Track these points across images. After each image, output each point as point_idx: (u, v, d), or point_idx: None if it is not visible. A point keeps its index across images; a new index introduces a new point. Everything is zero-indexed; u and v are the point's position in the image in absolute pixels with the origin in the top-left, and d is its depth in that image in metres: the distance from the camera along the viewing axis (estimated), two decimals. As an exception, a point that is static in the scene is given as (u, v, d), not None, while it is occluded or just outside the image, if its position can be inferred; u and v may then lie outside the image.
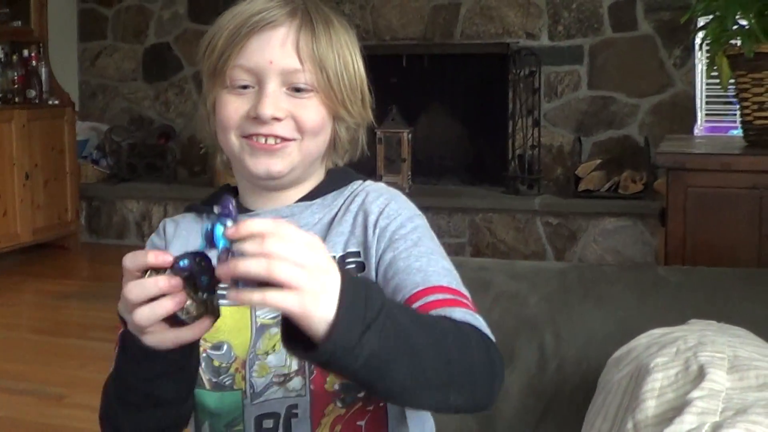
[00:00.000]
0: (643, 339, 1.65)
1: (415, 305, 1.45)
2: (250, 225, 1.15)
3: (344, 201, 1.65)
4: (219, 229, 1.17)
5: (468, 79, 7.37)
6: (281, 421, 1.57)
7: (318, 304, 1.16)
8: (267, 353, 1.56)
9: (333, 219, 1.63)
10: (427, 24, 7.42)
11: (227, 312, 1.47)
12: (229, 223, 1.17)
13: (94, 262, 7.39)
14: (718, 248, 2.71)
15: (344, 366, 1.21)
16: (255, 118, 1.53)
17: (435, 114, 7.23)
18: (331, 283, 1.18)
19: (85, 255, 7.51)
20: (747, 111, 2.96)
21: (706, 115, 6.97)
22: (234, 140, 1.56)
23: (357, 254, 1.58)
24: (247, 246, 1.14)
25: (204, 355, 1.56)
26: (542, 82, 7.11)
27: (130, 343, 1.36)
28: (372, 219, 1.60)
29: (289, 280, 1.14)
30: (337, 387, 1.55)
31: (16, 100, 7.11)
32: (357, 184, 1.69)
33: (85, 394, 4.24)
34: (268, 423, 1.57)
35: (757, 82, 2.88)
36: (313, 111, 1.56)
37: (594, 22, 7.10)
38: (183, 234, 1.68)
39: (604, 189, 6.66)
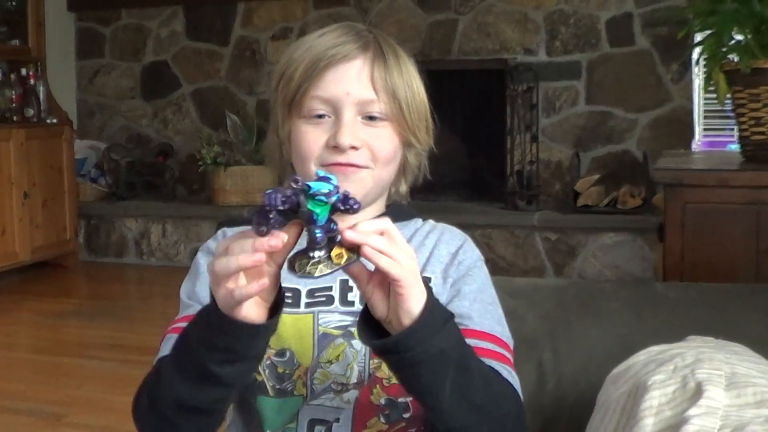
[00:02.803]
0: (641, 356, 1.64)
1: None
2: (372, 224, 1.32)
3: (412, 234, 1.76)
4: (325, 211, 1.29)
5: (466, 95, 7.38)
6: (332, 428, 1.64)
7: (414, 292, 1.34)
8: (330, 362, 1.63)
9: None
10: (425, 40, 7.43)
11: (289, 320, 1.61)
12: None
13: (93, 280, 7.38)
14: (717, 264, 2.71)
15: (414, 355, 1.36)
16: (334, 147, 1.60)
17: (433, 130, 7.17)
18: (420, 278, 1.36)
19: (84, 274, 7.50)
20: (744, 126, 2.96)
21: (704, 129, 6.97)
22: (314, 170, 1.60)
23: (429, 279, 1.67)
24: (375, 240, 1.30)
25: (268, 362, 1.63)
26: (540, 98, 7.11)
27: (200, 328, 1.39)
28: (452, 251, 1.73)
29: (403, 275, 1.32)
30: (383, 401, 1.63)
31: (14, 118, 7.10)
32: (419, 221, 1.81)
33: (84, 413, 4.24)
34: (320, 429, 1.64)
35: (753, 98, 2.88)
36: (387, 140, 1.66)
37: (591, 37, 7.10)
38: None
39: (603, 204, 6.64)
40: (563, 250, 6.68)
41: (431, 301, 1.38)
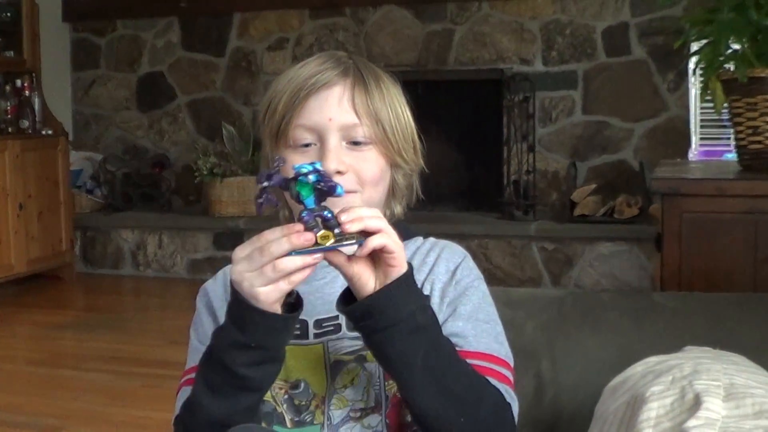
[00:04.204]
0: (638, 367, 1.64)
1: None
2: (366, 210, 1.43)
3: (413, 253, 1.76)
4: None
5: (462, 105, 7.39)
6: None
7: (404, 262, 1.45)
8: (345, 387, 1.65)
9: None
10: (421, 50, 7.43)
11: (300, 352, 1.66)
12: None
13: (89, 292, 7.37)
14: (714, 273, 2.71)
15: (386, 317, 1.44)
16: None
17: (429, 140, 7.12)
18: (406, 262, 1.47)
19: (80, 285, 7.49)
20: (741, 135, 2.96)
21: (701, 138, 6.97)
22: None
23: (428, 297, 1.68)
24: (374, 222, 1.41)
25: (285, 396, 1.66)
26: (536, 108, 7.11)
27: (232, 330, 1.47)
28: (451, 269, 1.73)
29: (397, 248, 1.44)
30: (409, 418, 1.63)
31: (10, 130, 7.10)
32: (420, 240, 1.81)
33: (81, 425, 4.22)
34: None
35: (750, 107, 2.88)
36: (372, 163, 1.68)
37: (587, 47, 7.10)
38: None
39: (600, 214, 6.64)
40: (560, 259, 6.68)
41: (408, 273, 1.47)
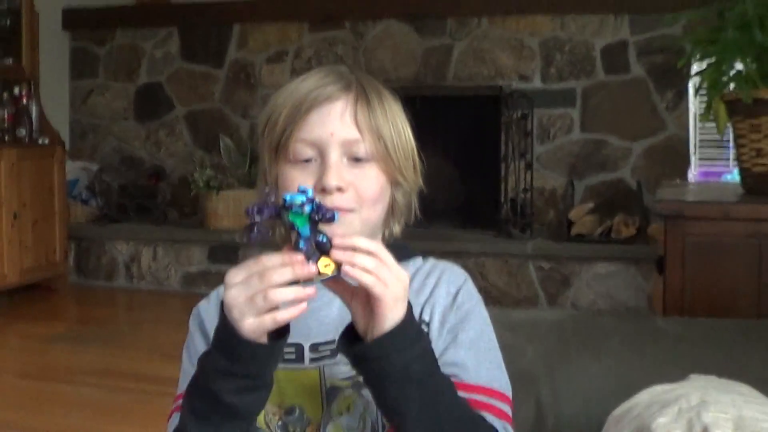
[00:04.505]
0: (643, 396, 1.60)
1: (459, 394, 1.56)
2: (365, 242, 1.41)
3: (413, 274, 1.72)
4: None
5: (460, 121, 7.35)
6: None
7: (392, 314, 1.41)
8: (341, 414, 1.62)
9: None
10: (420, 66, 7.41)
11: (295, 376, 1.64)
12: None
13: (83, 304, 7.32)
14: (718, 298, 2.68)
15: (378, 367, 1.42)
16: (322, 190, 1.58)
17: (427, 156, 7.07)
18: (403, 302, 1.44)
19: (74, 297, 7.43)
20: (745, 158, 2.93)
21: (699, 159, 6.94)
22: None
23: (428, 324, 1.67)
24: (363, 260, 1.39)
25: (279, 423, 1.63)
26: (535, 125, 7.08)
27: (218, 357, 1.44)
28: (452, 292, 1.70)
29: (382, 291, 1.40)
30: None
31: (6, 138, 7.06)
32: (420, 261, 1.78)
33: (72, 440, 4.19)
34: None
35: (755, 128, 2.85)
36: (373, 180, 1.64)
37: (586, 64, 7.09)
38: None
39: (597, 233, 6.62)
40: (557, 279, 6.64)
41: (406, 320, 1.44)
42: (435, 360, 1.53)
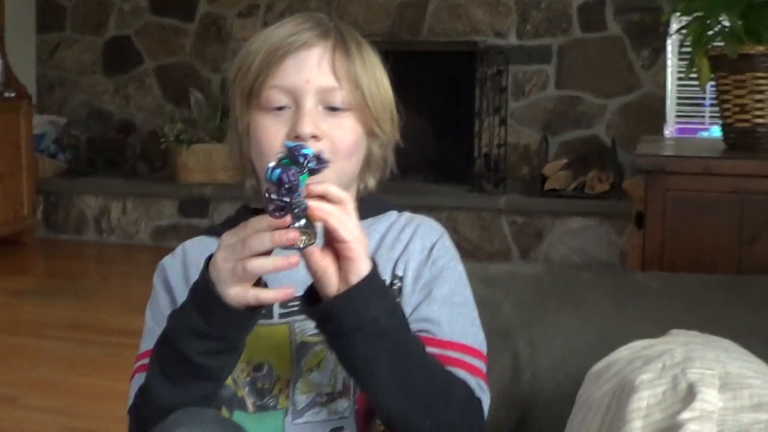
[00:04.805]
0: (624, 352, 1.56)
1: (432, 350, 1.54)
2: (336, 190, 1.37)
3: (387, 228, 1.69)
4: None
5: (435, 77, 7.32)
6: None
7: (362, 258, 1.38)
8: (311, 370, 1.58)
9: (380, 245, 1.65)
10: (394, 21, 7.35)
11: (264, 332, 1.57)
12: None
13: (51, 258, 7.27)
14: (698, 253, 2.65)
15: (347, 322, 1.38)
16: (295, 138, 1.53)
17: (400, 111, 7.07)
18: (368, 259, 1.40)
19: (42, 251, 7.37)
20: (728, 113, 2.90)
21: (674, 117, 6.94)
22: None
23: (401, 278, 1.63)
24: (332, 219, 1.35)
25: (248, 379, 1.59)
26: (510, 81, 7.04)
27: (196, 318, 1.40)
28: (427, 247, 1.65)
29: (351, 237, 1.37)
30: None
31: (-28, 92, 6.97)
32: (394, 214, 1.73)
33: (40, 395, 4.14)
34: None
35: (739, 84, 2.81)
36: (349, 131, 1.60)
37: (563, 21, 7.04)
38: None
39: (571, 189, 6.61)
40: (530, 233, 6.63)
41: (372, 274, 1.40)
42: (404, 317, 1.50)
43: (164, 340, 1.45)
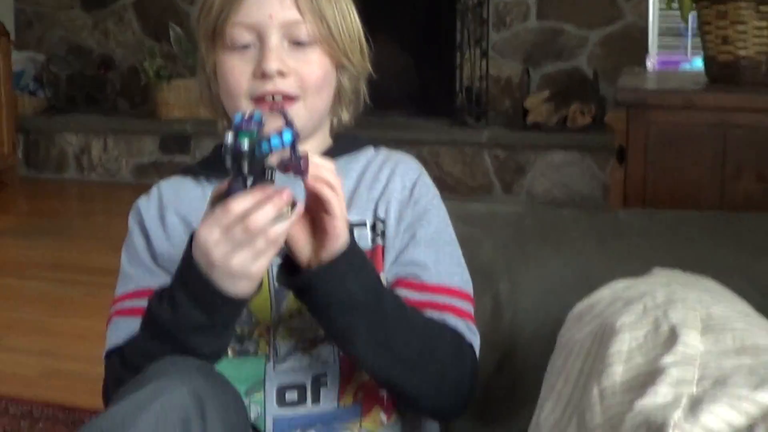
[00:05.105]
0: (605, 292, 1.54)
1: (419, 295, 1.57)
2: (329, 174, 1.34)
3: (365, 167, 1.68)
4: (287, 135, 1.28)
5: (414, 9, 7.26)
6: (308, 391, 1.57)
7: (343, 231, 1.37)
8: (292, 316, 1.56)
9: (358, 184, 1.64)
10: (373, -48, 7.27)
11: None
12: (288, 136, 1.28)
13: (32, 197, 7.22)
14: (681, 188, 2.64)
15: (323, 295, 1.38)
16: (261, 75, 1.52)
17: (380, 44, 6.90)
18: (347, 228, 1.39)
19: (23, 190, 7.33)
20: (710, 45, 2.87)
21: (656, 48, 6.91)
22: (243, 104, 1.55)
23: (383, 221, 1.62)
24: (328, 191, 1.33)
25: None
26: (490, 12, 6.99)
27: (181, 301, 1.37)
28: (408, 186, 1.65)
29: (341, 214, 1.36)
30: None
31: (-52, 29, 6.89)
32: (371, 151, 1.72)
33: (22, 336, 4.13)
34: (292, 394, 1.57)
35: (721, 15, 2.79)
36: (316, 65, 1.57)
37: (544, -49, 6.99)
38: (185, 199, 1.65)
39: (553, 122, 6.58)
40: (512, 167, 6.62)
41: (351, 247, 1.40)
42: (381, 284, 1.49)
43: (161, 334, 1.42)
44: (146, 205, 1.68)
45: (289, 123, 1.31)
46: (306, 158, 1.31)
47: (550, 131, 6.57)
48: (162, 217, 1.63)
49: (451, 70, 6.95)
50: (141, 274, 1.61)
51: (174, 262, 1.41)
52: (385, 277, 1.59)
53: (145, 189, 1.76)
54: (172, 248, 1.57)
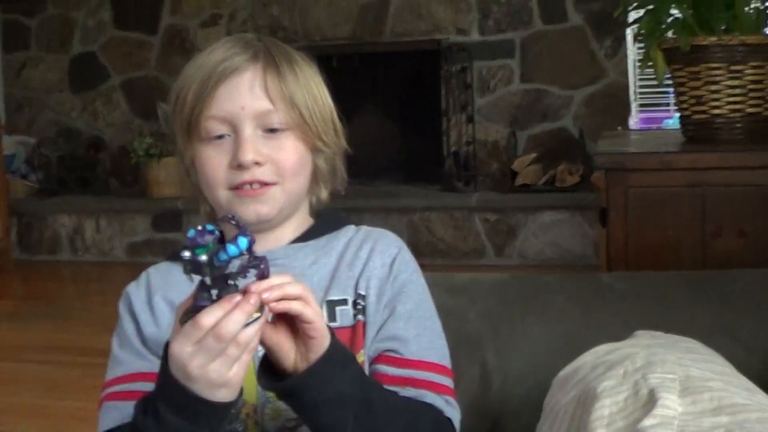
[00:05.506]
0: (588, 357, 1.57)
1: (398, 371, 1.59)
2: (291, 288, 1.34)
3: (345, 245, 1.69)
4: (243, 241, 1.27)
5: (400, 78, 7.34)
6: None
7: (325, 335, 1.37)
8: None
9: (339, 263, 1.66)
10: (357, 23, 7.35)
11: None
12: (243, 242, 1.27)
13: (27, 279, 7.25)
14: (662, 249, 2.66)
15: (311, 398, 1.38)
16: (238, 166, 1.54)
17: (368, 114, 7.11)
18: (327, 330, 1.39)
19: (18, 273, 7.34)
20: (685, 105, 2.91)
21: (640, 105, 6.97)
22: (222, 194, 1.59)
23: (364, 297, 1.63)
24: (295, 305, 1.33)
25: None
26: (474, 78, 7.06)
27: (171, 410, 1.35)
28: (387, 263, 1.66)
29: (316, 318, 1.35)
30: None
31: (-61, 117, 6.94)
32: (352, 229, 1.72)
33: (19, 420, 4.13)
34: None
35: (693, 76, 2.82)
36: (290, 151, 1.59)
37: (524, 15, 7.07)
38: (172, 284, 1.64)
39: (541, 182, 6.64)
40: (503, 230, 6.65)
41: (332, 344, 1.39)
42: (364, 375, 1.52)
43: None
44: (135, 291, 1.70)
45: (242, 228, 1.30)
46: (265, 260, 1.32)
47: (539, 192, 6.62)
48: (150, 302, 1.65)
49: (437, 136, 7.01)
50: (131, 359, 1.62)
51: (161, 346, 1.43)
52: (366, 353, 1.61)
53: (139, 267, 1.79)
54: (159, 332, 1.58)
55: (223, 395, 1.33)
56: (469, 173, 6.91)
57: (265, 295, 1.30)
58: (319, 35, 7.30)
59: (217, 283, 1.28)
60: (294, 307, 1.33)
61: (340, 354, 1.42)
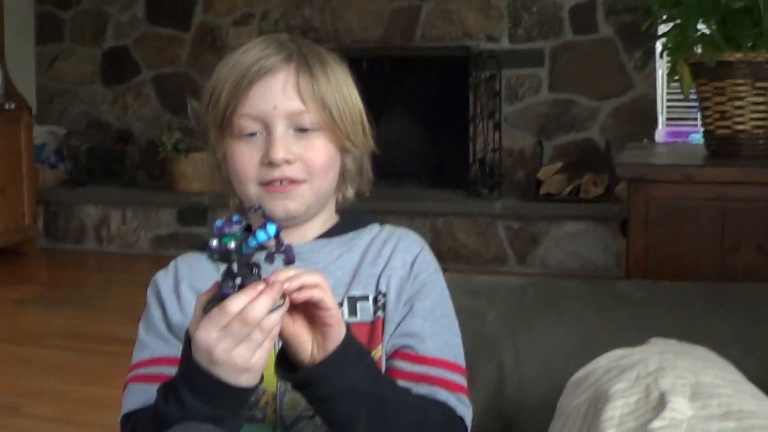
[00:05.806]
0: (602, 361, 1.61)
1: (414, 367, 1.62)
2: (308, 277, 1.38)
3: (369, 243, 1.73)
4: (271, 227, 1.33)
5: (428, 83, 7.33)
6: None
7: (341, 324, 1.43)
8: None
9: (362, 260, 1.70)
10: (387, 27, 7.38)
11: None
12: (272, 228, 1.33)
13: (52, 268, 7.31)
14: (681, 261, 2.69)
15: (325, 389, 1.43)
16: (269, 164, 1.60)
17: (395, 117, 7.13)
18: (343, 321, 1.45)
19: (43, 261, 7.41)
20: (709, 120, 2.93)
21: (668, 118, 6.96)
22: (252, 189, 1.63)
23: (384, 294, 1.67)
24: (316, 292, 1.38)
25: None
26: (503, 85, 7.08)
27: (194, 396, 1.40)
28: (409, 261, 1.70)
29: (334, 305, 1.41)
30: None
31: (-28, 104, 7.00)
32: (376, 228, 1.77)
33: (42, 404, 4.19)
34: None
35: (718, 91, 2.85)
36: (320, 151, 1.64)
37: (554, 24, 7.07)
38: (199, 273, 1.70)
39: (566, 192, 6.64)
40: (526, 238, 6.66)
41: (347, 337, 1.44)
42: (378, 370, 1.57)
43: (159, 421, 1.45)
44: (163, 278, 1.75)
45: (267, 217, 1.35)
46: (290, 247, 1.37)
47: (563, 202, 6.62)
48: (177, 290, 1.70)
49: (464, 142, 7.02)
50: (156, 343, 1.67)
51: None
52: (384, 348, 1.65)
53: (162, 260, 1.85)
54: (185, 319, 1.61)
55: (246, 380, 1.37)
56: (494, 180, 6.92)
57: (286, 285, 1.35)
58: (350, 38, 7.33)
59: (242, 270, 1.33)
60: (315, 294, 1.38)
61: (355, 348, 1.47)
